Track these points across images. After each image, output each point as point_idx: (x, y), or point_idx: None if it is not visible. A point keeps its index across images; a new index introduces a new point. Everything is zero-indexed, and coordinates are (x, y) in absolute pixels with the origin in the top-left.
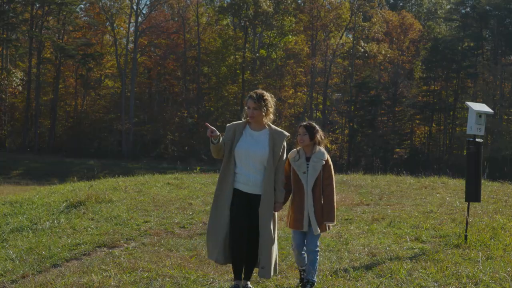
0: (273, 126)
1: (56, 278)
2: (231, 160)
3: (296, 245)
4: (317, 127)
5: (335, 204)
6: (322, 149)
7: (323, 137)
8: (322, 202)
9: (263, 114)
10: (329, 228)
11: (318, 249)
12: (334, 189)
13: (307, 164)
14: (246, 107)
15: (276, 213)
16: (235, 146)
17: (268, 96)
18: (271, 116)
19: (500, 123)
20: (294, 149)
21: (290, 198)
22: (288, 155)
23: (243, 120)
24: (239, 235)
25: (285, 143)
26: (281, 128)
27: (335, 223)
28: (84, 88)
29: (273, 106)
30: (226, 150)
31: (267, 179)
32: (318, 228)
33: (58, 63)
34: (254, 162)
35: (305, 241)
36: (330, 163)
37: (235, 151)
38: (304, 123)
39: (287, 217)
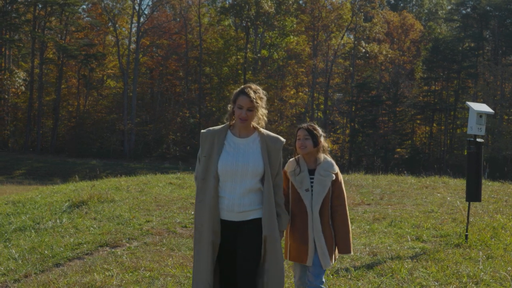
0: (263, 130)
1: (59, 277)
2: (211, 180)
3: (301, 278)
4: (321, 130)
5: (350, 229)
6: (329, 158)
7: (326, 143)
8: (333, 227)
9: (259, 117)
10: (335, 259)
11: (323, 286)
12: (347, 211)
13: (311, 179)
14: (234, 107)
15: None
16: (217, 162)
17: (263, 93)
18: (263, 120)
19: (500, 123)
20: (292, 159)
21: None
22: (285, 167)
23: (224, 124)
24: None
25: (281, 152)
26: (281, 129)
27: (352, 253)
28: (86, 88)
29: (267, 107)
30: (202, 167)
31: (268, 202)
32: (330, 261)
33: (61, 64)
34: (242, 181)
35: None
36: (341, 177)
37: (217, 168)
38: (305, 125)
39: (285, 247)
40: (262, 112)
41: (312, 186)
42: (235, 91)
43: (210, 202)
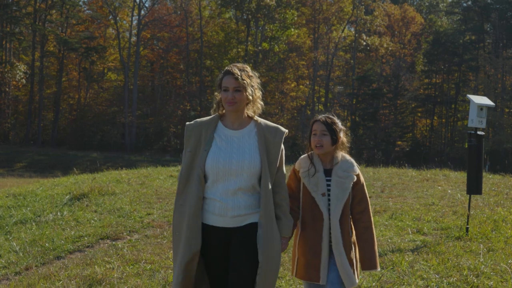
0: (260, 119)
1: (60, 270)
2: (195, 181)
3: None
4: (340, 123)
5: (376, 241)
6: (348, 157)
7: (346, 139)
8: (355, 239)
9: (250, 99)
10: (358, 277)
11: None
12: (372, 219)
13: (328, 181)
14: (219, 92)
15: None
16: (206, 159)
17: (252, 73)
18: (259, 104)
19: (501, 116)
20: (304, 156)
21: (296, 233)
22: (296, 166)
23: (212, 115)
24: None
25: (282, 145)
26: (282, 121)
27: (379, 269)
28: (87, 81)
29: (260, 89)
30: (185, 165)
31: (266, 203)
32: (355, 279)
33: (61, 57)
34: (237, 180)
35: None
36: (362, 179)
37: (205, 166)
38: (322, 118)
39: (292, 262)
40: (256, 95)
41: (329, 190)
42: (219, 76)
43: (191, 207)
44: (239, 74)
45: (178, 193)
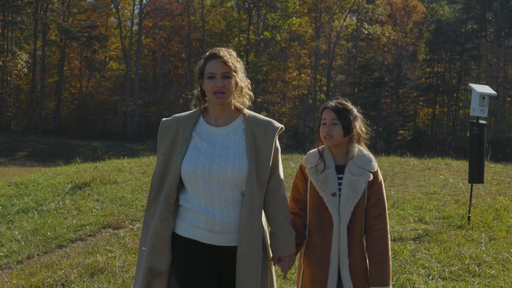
0: (250, 112)
1: (62, 258)
2: (167, 188)
3: None
4: (355, 110)
5: (390, 253)
6: (366, 151)
7: (364, 129)
8: (366, 249)
9: (241, 86)
10: None
11: None
12: (388, 227)
13: (339, 179)
14: (200, 83)
15: (274, 276)
16: (180, 162)
17: (239, 58)
18: (248, 94)
19: (503, 105)
20: (313, 150)
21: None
22: (302, 162)
23: (193, 110)
24: None
25: (277, 142)
26: (284, 110)
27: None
28: (89, 70)
29: (247, 78)
30: (158, 169)
31: (249, 215)
32: None
33: (63, 45)
34: (222, 188)
35: None
36: (381, 178)
37: (181, 172)
38: (332, 104)
39: (297, 277)
40: (244, 83)
41: (340, 189)
42: (199, 63)
43: (157, 220)
44: (228, 56)
45: (148, 203)
